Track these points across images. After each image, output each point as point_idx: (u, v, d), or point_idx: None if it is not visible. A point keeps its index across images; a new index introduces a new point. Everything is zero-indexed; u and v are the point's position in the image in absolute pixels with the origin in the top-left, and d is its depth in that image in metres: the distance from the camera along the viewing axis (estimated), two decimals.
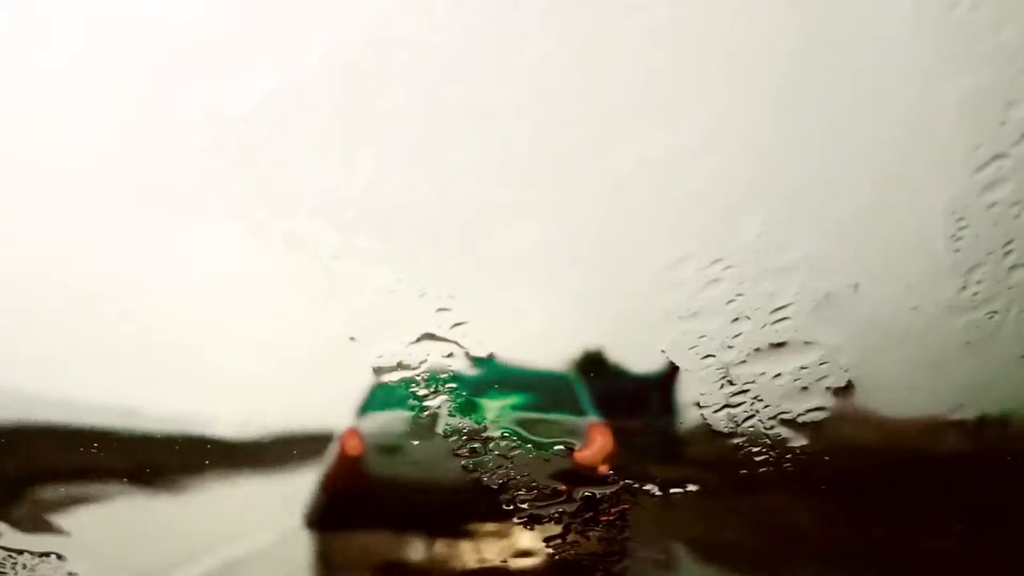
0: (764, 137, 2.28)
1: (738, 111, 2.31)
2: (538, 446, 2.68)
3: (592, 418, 2.84)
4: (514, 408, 2.73)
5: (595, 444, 2.70)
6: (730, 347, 2.49)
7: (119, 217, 2.75)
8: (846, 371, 2.38)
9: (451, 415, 2.83)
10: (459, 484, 2.79)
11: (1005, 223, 2.17)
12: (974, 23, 2.07)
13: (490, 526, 2.84)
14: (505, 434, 2.72)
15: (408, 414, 2.99)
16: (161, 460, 2.98)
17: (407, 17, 2.29)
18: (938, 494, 2.42)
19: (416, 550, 2.93)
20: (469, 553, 2.91)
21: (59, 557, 2.52)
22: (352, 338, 2.55)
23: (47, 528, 2.73)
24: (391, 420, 2.97)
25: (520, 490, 2.74)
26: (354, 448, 2.96)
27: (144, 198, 2.68)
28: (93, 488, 3.01)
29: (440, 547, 2.92)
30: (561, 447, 2.68)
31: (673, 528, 3.42)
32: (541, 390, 2.78)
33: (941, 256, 2.28)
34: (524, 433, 2.66)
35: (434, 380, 2.88)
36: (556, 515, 2.73)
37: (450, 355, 2.65)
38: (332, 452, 3.02)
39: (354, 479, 2.95)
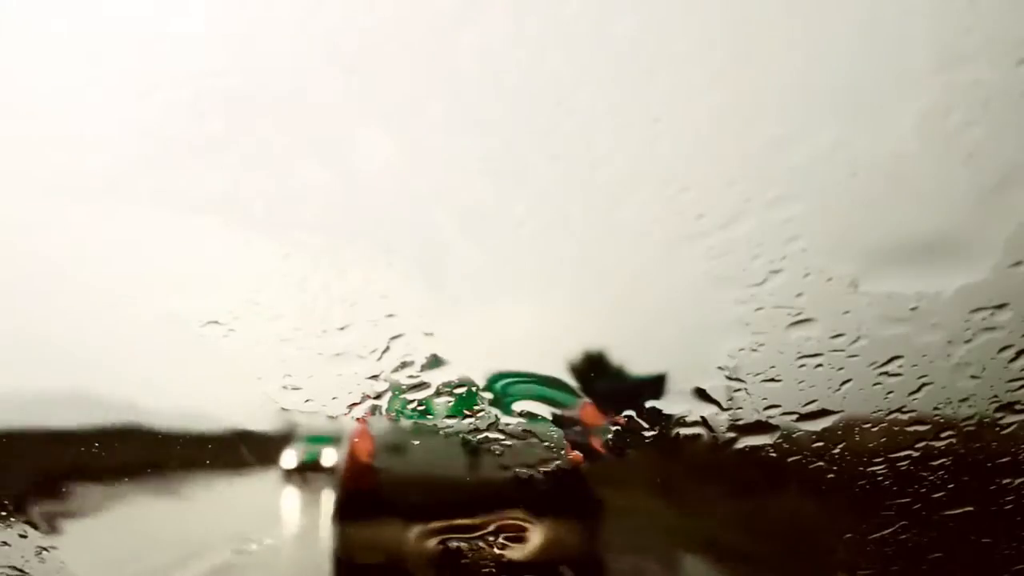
0: (764, 137, 2.27)
1: (735, 109, 2.30)
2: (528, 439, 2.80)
3: (585, 399, 2.93)
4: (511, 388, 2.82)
5: (589, 417, 2.83)
6: (728, 349, 2.49)
7: (123, 217, 2.76)
8: (843, 370, 2.38)
9: (451, 415, 2.87)
10: (463, 479, 2.90)
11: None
12: None
13: (491, 518, 2.95)
14: (503, 414, 2.80)
15: (414, 416, 3.08)
16: (162, 459, 3.00)
17: (404, 18, 2.29)
18: (940, 494, 2.40)
19: (422, 539, 3.03)
20: (473, 544, 3.00)
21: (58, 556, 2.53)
22: (350, 339, 2.56)
23: (50, 527, 2.74)
24: (400, 421, 3.07)
25: (521, 482, 2.83)
26: (364, 448, 3.06)
27: (149, 199, 2.70)
28: (94, 487, 3.03)
29: (445, 538, 3.02)
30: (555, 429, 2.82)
31: (675, 529, 3.42)
32: (537, 378, 2.86)
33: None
34: (522, 409, 2.79)
35: (437, 385, 2.93)
36: (553, 506, 2.85)
37: (450, 357, 2.65)
38: (343, 452, 3.14)
39: (364, 477, 3.06)
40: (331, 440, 3.98)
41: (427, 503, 3.01)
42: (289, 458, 4.09)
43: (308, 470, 4.10)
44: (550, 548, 2.99)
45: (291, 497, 4.11)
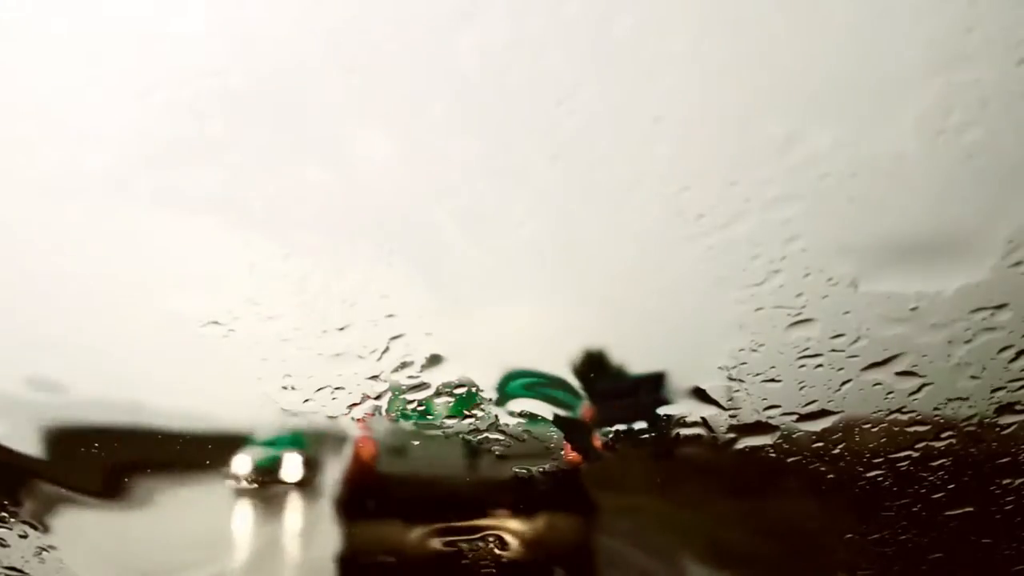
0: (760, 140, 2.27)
1: (735, 109, 2.30)
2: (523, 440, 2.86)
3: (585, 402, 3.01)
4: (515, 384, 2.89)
5: (591, 416, 2.90)
6: (728, 349, 2.49)
7: (123, 217, 2.76)
8: (843, 371, 2.38)
9: (451, 415, 2.89)
10: (463, 479, 2.94)
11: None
12: None
13: (488, 514, 3.00)
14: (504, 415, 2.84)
15: (414, 416, 3.13)
16: (162, 459, 3.01)
17: (404, 18, 2.29)
18: (940, 494, 2.40)
19: (423, 538, 3.08)
20: (473, 544, 3.04)
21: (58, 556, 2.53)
22: (350, 339, 2.56)
23: (49, 527, 2.74)
24: (400, 423, 3.12)
25: (520, 482, 2.85)
26: (367, 450, 3.11)
27: (149, 199, 2.70)
28: (94, 487, 3.03)
29: (444, 535, 3.07)
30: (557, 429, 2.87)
31: (676, 530, 3.42)
32: (540, 375, 2.94)
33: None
34: (523, 409, 2.88)
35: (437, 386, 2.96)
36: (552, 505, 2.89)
37: (450, 357, 2.66)
38: (347, 453, 3.21)
39: (368, 477, 3.12)
40: (294, 442, 3.79)
41: (428, 503, 3.06)
42: (243, 463, 3.75)
43: (265, 477, 3.83)
44: (547, 547, 3.03)
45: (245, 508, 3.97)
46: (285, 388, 2.67)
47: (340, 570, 3.17)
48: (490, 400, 2.79)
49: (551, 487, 3.00)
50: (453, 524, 3.07)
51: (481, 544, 3.05)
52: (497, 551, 2.99)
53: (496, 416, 2.84)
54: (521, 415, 2.90)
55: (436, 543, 3.10)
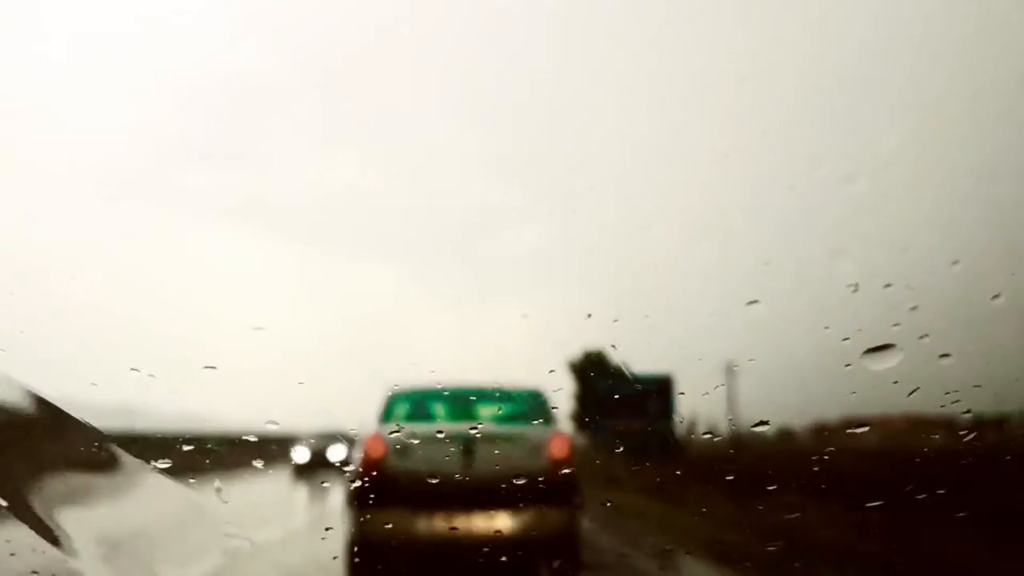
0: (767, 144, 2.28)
1: (737, 108, 2.31)
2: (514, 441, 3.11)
3: (556, 429, 3.31)
4: (498, 418, 3.20)
5: (556, 447, 3.21)
6: (729, 349, 2.49)
7: (125, 219, 2.77)
8: (843, 371, 2.38)
9: (449, 418, 2.94)
10: (458, 477, 3.02)
11: None
12: None
13: (487, 511, 3.09)
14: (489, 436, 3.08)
15: (418, 420, 3.24)
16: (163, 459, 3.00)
17: (408, 17, 2.30)
18: (940, 493, 2.41)
19: (427, 528, 3.18)
20: (466, 530, 3.11)
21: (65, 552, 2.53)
22: (350, 339, 2.57)
23: (52, 524, 2.74)
24: (406, 426, 3.33)
25: (513, 479, 2.92)
26: (377, 450, 3.24)
27: (151, 201, 2.70)
28: (96, 487, 3.02)
29: (444, 525, 3.17)
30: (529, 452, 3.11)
31: (675, 529, 3.44)
32: (518, 401, 3.27)
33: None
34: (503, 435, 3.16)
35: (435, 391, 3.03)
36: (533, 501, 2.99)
37: (449, 358, 2.67)
38: (359, 453, 3.35)
39: (378, 474, 3.26)
40: None
41: (429, 499, 3.14)
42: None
43: None
44: (546, 544, 3.12)
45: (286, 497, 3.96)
46: (288, 388, 2.68)
47: (351, 558, 3.26)
48: (489, 400, 2.82)
49: (549, 485, 3.08)
50: (452, 519, 3.16)
51: (479, 540, 3.09)
52: (496, 550, 3.03)
53: (489, 421, 2.91)
54: (514, 418, 2.98)
55: (436, 538, 3.17)
